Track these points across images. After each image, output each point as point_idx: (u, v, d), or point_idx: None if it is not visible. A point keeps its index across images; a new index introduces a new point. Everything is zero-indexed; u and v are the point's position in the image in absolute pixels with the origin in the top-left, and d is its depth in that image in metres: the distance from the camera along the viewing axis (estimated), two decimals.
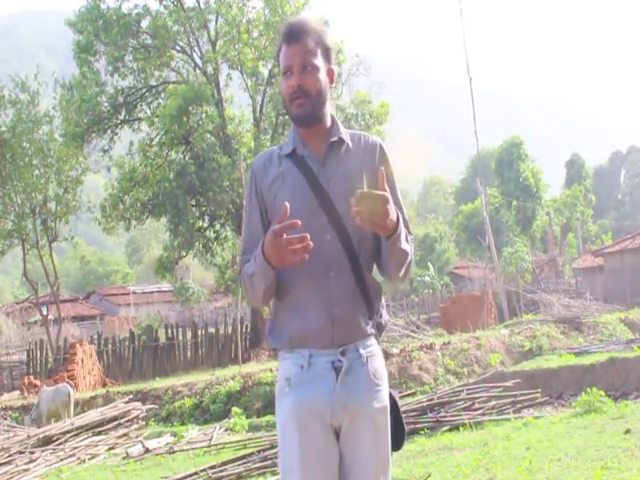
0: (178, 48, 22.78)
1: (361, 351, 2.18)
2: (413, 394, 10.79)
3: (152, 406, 13.60)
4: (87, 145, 22.62)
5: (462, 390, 8.82)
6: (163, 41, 21.53)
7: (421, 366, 13.13)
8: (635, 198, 71.47)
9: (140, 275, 66.48)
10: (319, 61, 2.18)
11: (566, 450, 5.64)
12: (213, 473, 6.71)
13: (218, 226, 22.71)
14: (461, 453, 6.28)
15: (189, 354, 19.72)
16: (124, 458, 9.10)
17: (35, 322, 32.26)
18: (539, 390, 9.33)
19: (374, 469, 2.15)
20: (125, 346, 19.57)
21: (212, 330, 20.88)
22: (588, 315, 19.19)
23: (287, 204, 1.99)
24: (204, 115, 21.43)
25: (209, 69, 22.09)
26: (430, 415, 8.07)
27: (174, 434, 10.53)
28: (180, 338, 19.76)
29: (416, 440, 7.26)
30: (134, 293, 45.58)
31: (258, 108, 22.22)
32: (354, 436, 2.15)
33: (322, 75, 2.18)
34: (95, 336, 20.47)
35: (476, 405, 8.41)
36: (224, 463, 7.02)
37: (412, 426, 7.70)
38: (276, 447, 5.27)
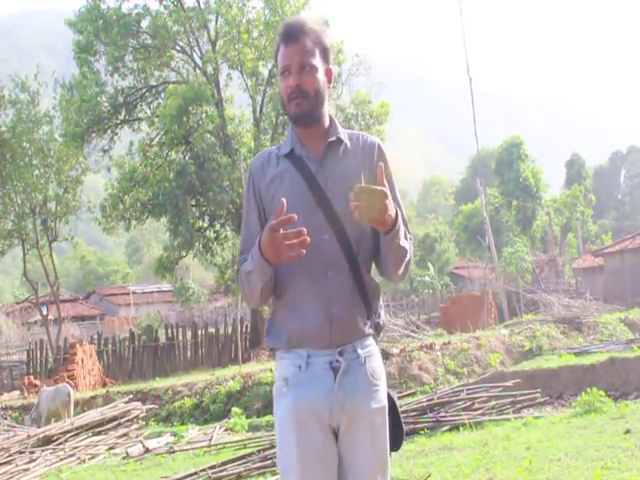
0: (178, 48, 22.78)
1: (359, 351, 2.17)
2: (413, 394, 10.79)
3: (152, 406, 13.60)
4: (87, 145, 22.62)
5: (462, 390, 8.82)
6: (163, 41, 21.53)
7: (421, 366, 13.12)
8: (635, 198, 71.45)
9: (140, 275, 66.46)
10: (317, 61, 2.18)
11: (566, 450, 5.64)
12: (213, 473, 6.71)
13: (218, 226, 22.70)
14: (461, 453, 6.28)
15: (189, 354, 19.73)
16: (124, 458, 9.10)
17: (35, 322, 32.24)
18: (539, 390, 9.32)
19: (372, 469, 2.15)
20: (125, 346, 19.58)
21: (212, 330, 20.89)
22: (588, 315, 19.17)
23: (284, 199, 1.99)
24: (204, 115, 21.43)
25: (209, 69, 22.09)
26: (430, 415, 8.07)
27: (174, 434, 10.53)
28: (180, 338, 19.77)
29: (416, 440, 7.26)
30: (134, 293, 45.55)
31: (258, 108, 22.22)
32: (352, 436, 2.15)
33: (320, 75, 2.18)
34: (95, 336, 20.49)
35: (476, 405, 8.41)
36: (224, 463, 7.02)
37: (412, 426, 7.70)
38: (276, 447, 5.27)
